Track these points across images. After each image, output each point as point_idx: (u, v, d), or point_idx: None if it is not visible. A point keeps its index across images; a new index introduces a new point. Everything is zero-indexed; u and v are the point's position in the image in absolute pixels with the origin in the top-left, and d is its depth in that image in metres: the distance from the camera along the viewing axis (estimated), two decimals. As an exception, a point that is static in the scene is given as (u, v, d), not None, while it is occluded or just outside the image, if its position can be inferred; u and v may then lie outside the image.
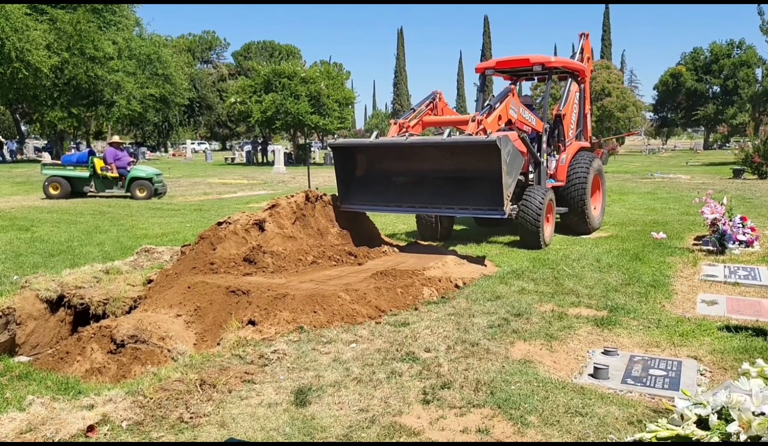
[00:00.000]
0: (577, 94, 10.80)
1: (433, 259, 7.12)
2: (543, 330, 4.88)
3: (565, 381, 3.88)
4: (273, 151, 37.79)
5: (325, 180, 24.02)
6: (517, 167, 7.64)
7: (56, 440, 3.11)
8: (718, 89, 66.52)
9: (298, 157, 41.82)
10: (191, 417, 3.39)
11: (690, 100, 67.74)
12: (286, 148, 44.18)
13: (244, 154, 46.71)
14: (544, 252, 8.08)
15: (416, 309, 5.54)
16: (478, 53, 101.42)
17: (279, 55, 73.62)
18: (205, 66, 77.50)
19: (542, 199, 8.46)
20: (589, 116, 11.47)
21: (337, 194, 8.17)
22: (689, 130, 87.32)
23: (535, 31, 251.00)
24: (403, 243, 8.29)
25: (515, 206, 8.35)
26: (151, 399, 3.57)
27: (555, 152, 10.08)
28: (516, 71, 10.41)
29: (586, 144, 11.09)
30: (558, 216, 9.72)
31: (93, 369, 4.54)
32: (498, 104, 8.14)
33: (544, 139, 9.56)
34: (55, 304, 6.11)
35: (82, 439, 3.15)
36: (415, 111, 8.63)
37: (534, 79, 11.71)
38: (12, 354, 5.47)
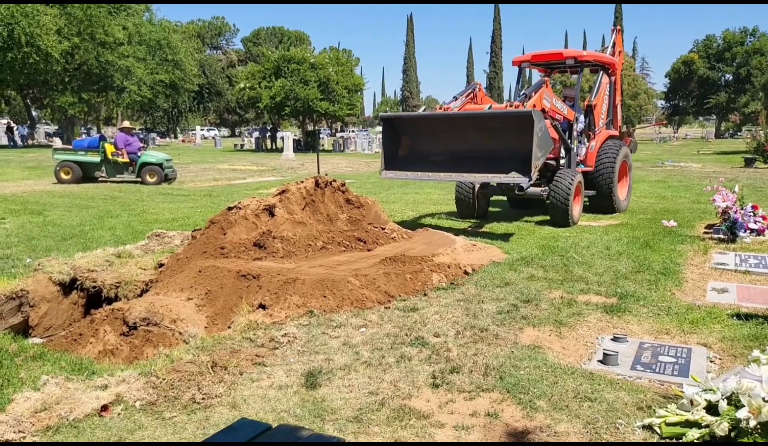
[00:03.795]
0: (608, 85, 11.40)
1: (443, 246, 7.12)
2: (552, 316, 4.88)
3: (574, 367, 3.89)
4: (282, 138, 37.81)
5: (334, 166, 24.03)
6: (547, 146, 8.06)
7: (71, 419, 3.16)
8: (731, 77, 65.72)
9: (307, 144, 41.81)
10: (203, 398, 3.43)
11: (702, 88, 67.01)
12: (295, 135, 44.16)
13: (253, 140, 46.73)
14: (554, 240, 8.07)
15: (425, 294, 5.56)
16: (488, 40, 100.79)
17: (288, 41, 73.40)
18: (215, 52, 77.49)
19: (571, 181, 9.24)
20: (619, 107, 12.09)
21: (381, 164, 9.07)
22: (701, 118, 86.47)
23: (547, 18, 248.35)
24: (413, 229, 8.28)
25: (546, 188, 9.41)
26: (164, 379, 3.61)
27: (585, 140, 10.73)
28: (550, 64, 11.08)
29: (615, 132, 11.66)
30: (586, 199, 10.45)
31: (106, 351, 4.59)
32: (533, 94, 8.52)
33: (575, 127, 10.23)
34: (67, 287, 6.18)
35: (96, 418, 3.20)
36: (456, 99, 9.22)
37: (567, 72, 12.09)
38: (26, 335, 5.54)
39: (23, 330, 5.71)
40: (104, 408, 3.27)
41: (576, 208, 9.49)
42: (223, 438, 2.48)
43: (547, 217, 9.82)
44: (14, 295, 5.74)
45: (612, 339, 4.36)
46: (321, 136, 50.15)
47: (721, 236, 8.05)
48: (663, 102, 73.37)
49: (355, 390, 3.58)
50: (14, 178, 18.11)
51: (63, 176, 16.57)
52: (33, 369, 3.83)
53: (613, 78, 11.50)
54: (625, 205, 11.14)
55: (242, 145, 47.26)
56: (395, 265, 6.17)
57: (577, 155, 10.39)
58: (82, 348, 4.70)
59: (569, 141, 10.04)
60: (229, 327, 4.88)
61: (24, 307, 5.80)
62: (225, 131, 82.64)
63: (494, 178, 8.56)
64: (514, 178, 8.00)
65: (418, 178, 9.14)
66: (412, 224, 9.17)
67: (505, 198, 11.49)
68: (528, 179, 7.74)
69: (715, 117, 73.12)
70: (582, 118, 10.75)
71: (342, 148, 42.36)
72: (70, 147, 18.54)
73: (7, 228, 8.93)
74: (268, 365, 3.95)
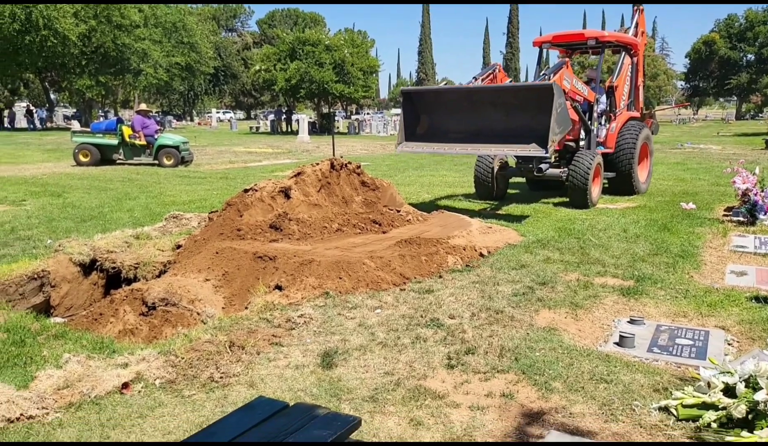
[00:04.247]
0: (630, 66, 11.31)
1: (458, 228, 7.11)
2: (568, 298, 4.87)
3: (590, 349, 3.89)
4: (297, 120, 37.79)
5: (349, 149, 24.00)
6: (565, 124, 8.00)
7: (93, 396, 3.23)
8: (753, 58, 64.29)
9: (322, 126, 41.79)
10: (221, 377, 3.48)
11: (723, 68, 65.66)
12: (310, 117, 44.13)
13: (268, 123, 46.75)
14: (570, 222, 8.02)
15: (440, 276, 5.57)
16: (505, 21, 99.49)
17: (303, 23, 73.02)
18: (230, 34, 77.33)
19: (591, 162, 9.22)
20: (641, 88, 11.98)
21: (397, 139, 9.10)
22: (721, 99, 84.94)
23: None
24: (429, 211, 8.27)
25: (565, 169, 9.43)
26: (183, 358, 3.67)
27: (605, 121, 10.66)
28: (571, 45, 11.03)
29: (636, 114, 11.54)
30: (606, 181, 10.38)
31: (126, 330, 4.67)
32: (552, 75, 8.46)
33: (596, 108, 10.17)
34: (87, 268, 6.28)
35: (117, 396, 3.26)
36: (476, 80, 9.25)
37: (588, 53, 12.01)
38: (47, 315, 5.64)
39: (45, 309, 5.81)
40: (125, 385, 3.33)
41: (595, 190, 9.47)
42: (241, 415, 2.52)
43: (565, 199, 9.79)
44: (36, 275, 5.84)
45: (628, 322, 4.35)
46: (336, 118, 50.02)
47: (741, 219, 7.95)
48: (683, 83, 72.09)
49: (370, 370, 3.61)
50: (34, 161, 18.33)
51: (81, 159, 16.74)
52: (55, 348, 3.91)
53: (635, 59, 11.37)
54: (645, 187, 11.07)
55: (257, 128, 47.33)
56: (410, 247, 6.18)
57: (597, 137, 10.33)
58: (102, 328, 4.78)
59: (589, 122, 9.98)
60: (246, 308, 4.93)
61: (45, 287, 5.91)
62: (240, 114, 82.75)
63: (512, 149, 8.57)
64: (531, 150, 7.97)
65: (434, 151, 9.15)
66: (428, 206, 9.15)
67: (524, 180, 11.45)
68: (546, 151, 7.71)
69: (735, 98, 71.74)
70: (603, 99, 10.65)
71: (357, 131, 42.28)
72: (88, 130, 18.69)
73: (28, 210, 9.06)
74: (284, 345, 4.00)
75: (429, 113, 9.10)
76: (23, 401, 3.07)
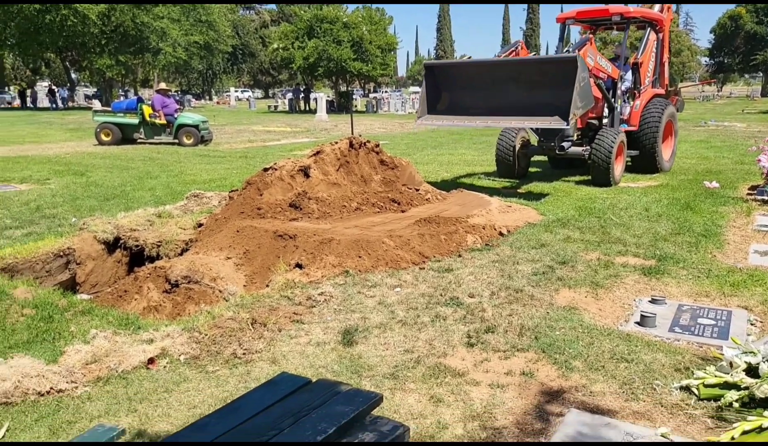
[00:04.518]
0: (655, 42, 11.12)
1: (477, 207, 7.09)
2: (588, 278, 4.85)
3: (611, 329, 3.88)
4: (315, 99, 37.71)
5: (368, 127, 23.94)
6: (587, 99, 7.93)
7: (120, 370, 3.30)
8: (780, 32, 62.58)
9: (340, 105, 41.63)
10: (244, 353, 3.54)
11: (749, 44, 63.93)
12: (328, 96, 43.98)
13: (286, 101, 46.71)
14: (591, 201, 7.95)
15: (460, 255, 5.57)
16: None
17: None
18: (248, 12, 77.02)
19: (614, 139, 9.15)
20: (666, 64, 11.80)
21: (418, 112, 9.09)
22: (746, 75, 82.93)
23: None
24: (448, 190, 8.25)
25: (588, 147, 9.38)
26: (206, 335, 3.73)
27: (630, 98, 10.54)
28: (595, 21, 10.86)
29: (661, 91, 11.37)
30: (629, 159, 10.28)
31: (150, 307, 4.75)
32: (576, 52, 8.36)
33: (620, 85, 10.02)
34: (111, 246, 6.38)
35: (143, 371, 3.33)
36: (499, 56, 9.27)
37: (613, 29, 11.80)
38: (73, 291, 5.76)
39: (71, 286, 5.93)
40: (151, 361, 3.41)
41: (618, 168, 9.42)
42: (265, 391, 2.57)
43: (587, 178, 9.72)
44: (62, 253, 5.96)
45: (650, 301, 4.32)
46: (354, 96, 49.81)
47: (765, 198, 7.82)
48: (707, 59, 70.49)
49: (390, 347, 3.65)
50: (57, 140, 18.56)
51: (103, 138, 16.91)
52: (82, 324, 4.00)
53: (660, 35, 11.16)
54: (669, 165, 10.94)
55: (276, 107, 47.33)
56: (429, 226, 6.18)
57: (621, 114, 10.22)
58: (127, 304, 4.87)
59: (613, 99, 9.88)
60: (267, 286, 4.99)
61: (71, 265, 6.02)
62: (259, 92, 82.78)
63: (533, 122, 8.53)
64: (552, 123, 7.91)
65: (455, 124, 9.13)
66: (446, 185, 9.12)
67: (545, 158, 11.36)
68: (567, 124, 7.65)
69: (761, 74, 70.01)
70: (628, 76, 10.50)
71: (375, 109, 42.09)
72: (110, 109, 18.84)
73: (53, 189, 9.20)
74: (305, 322, 4.04)
75: (451, 88, 9.04)
76: (53, 375, 3.15)
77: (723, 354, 3.19)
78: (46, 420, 2.86)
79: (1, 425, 2.80)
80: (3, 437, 2.72)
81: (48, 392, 3.06)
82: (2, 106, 48.35)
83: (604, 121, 10.04)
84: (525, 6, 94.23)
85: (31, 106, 45.17)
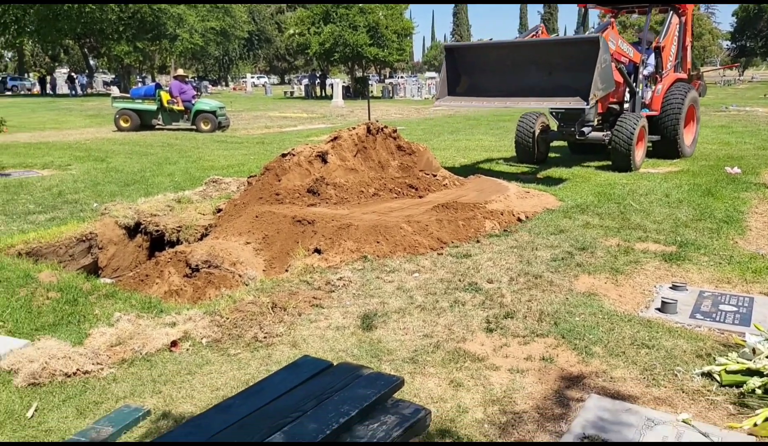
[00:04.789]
0: (678, 26, 11.00)
1: (495, 193, 7.06)
2: (608, 264, 4.82)
3: (631, 315, 3.86)
4: (331, 85, 37.62)
5: (384, 113, 23.87)
6: (608, 82, 7.84)
7: (144, 353, 3.36)
8: (806, 15, 61.13)
9: (356, 91, 41.51)
10: (265, 337, 3.58)
11: (773, 26, 62.62)
12: (344, 82, 43.87)
13: (302, 87, 46.68)
14: (610, 187, 7.88)
15: (478, 241, 5.56)
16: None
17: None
18: (264, -3, 76.81)
19: (635, 124, 9.06)
20: (689, 48, 11.66)
21: (437, 94, 9.16)
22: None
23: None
24: (465, 176, 8.23)
25: (608, 132, 9.34)
26: (228, 318, 3.78)
27: (651, 83, 10.46)
28: (617, 4, 10.80)
29: (683, 75, 11.26)
30: (650, 144, 10.24)
31: (171, 291, 4.82)
32: (599, 33, 8.31)
33: (641, 70, 9.93)
34: (132, 230, 6.46)
35: (166, 353, 3.39)
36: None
37: (634, 12, 11.62)
38: (96, 276, 5.85)
39: (93, 270, 6.02)
40: (173, 343, 3.46)
41: (639, 153, 9.34)
42: (287, 373, 2.60)
43: (607, 163, 9.64)
44: (84, 238, 6.05)
45: (671, 288, 4.30)
46: (370, 82, 49.63)
47: (790, 184, 7.70)
48: (728, 43, 69.08)
49: (410, 332, 3.66)
50: (77, 126, 18.75)
51: (122, 124, 17.04)
52: (106, 307, 4.07)
53: (683, 18, 11.02)
54: (691, 151, 10.81)
55: (292, 93, 47.33)
56: (447, 212, 6.17)
57: (643, 98, 10.11)
58: (149, 288, 4.94)
59: (634, 84, 9.78)
60: (286, 271, 5.03)
61: (93, 249, 6.11)
62: (275, 78, 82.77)
63: (552, 102, 8.50)
64: (572, 102, 7.86)
65: (473, 105, 9.13)
66: (464, 171, 9.09)
67: (565, 143, 11.27)
68: (587, 104, 7.60)
69: (786, 58, 68.56)
70: (651, 60, 10.36)
71: (391, 95, 41.91)
72: (128, 95, 18.97)
73: (74, 174, 9.32)
74: (325, 307, 4.08)
75: (471, 70, 8.99)
76: (79, 357, 3.22)
77: (745, 341, 3.17)
78: (74, 400, 2.93)
79: (30, 405, 2.87)
80: (32, 416, 2.79)
81: (74, 373, 3.13)
82: (23, 92, 48.92)
83: (625, 105, 9.93)
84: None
85: (51, 92, 45.60)
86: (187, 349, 3.44)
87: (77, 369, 3.14)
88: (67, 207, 7.13)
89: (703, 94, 29.16)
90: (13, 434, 2.66)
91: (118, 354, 3.36)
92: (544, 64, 8.26)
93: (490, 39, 10.39)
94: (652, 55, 10.46)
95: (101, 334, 3.55)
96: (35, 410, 2.84)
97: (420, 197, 7.01)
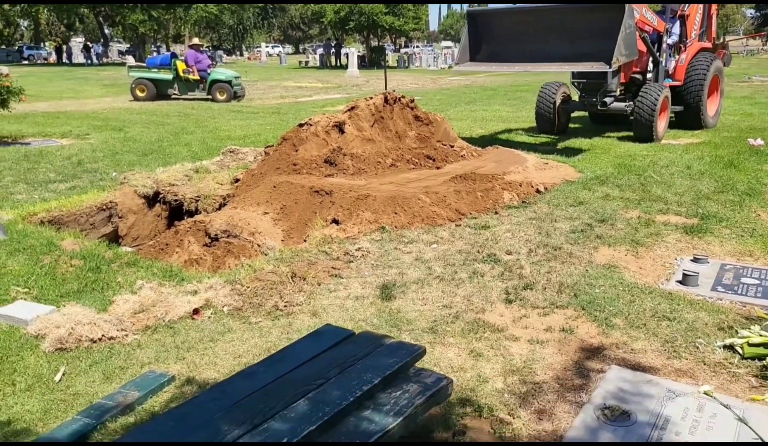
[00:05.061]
0: None
1: (514, 164, 7.00)
2: (628, 236, 4.79)
3: (652, 287, 3.84)
4: (346, 54, 37.27)
5: (399, 83, 23.64)
6: (631, 49, 7.79)
7: (167, 320, 3.41)
8: (836, -19, 59.18)
9: (371, 60, 41.13)
10: (285, 306, 3.62)
11: (801, -6, 60.75)
12: (359, 51, 43.44)
13: (317, 57, 46.32)
14: (631, 159, 7.78)
15: (496, 213, 5.54)
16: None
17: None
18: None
19: (658, 95, 8.92)
20: (714, 16, 11.41)
21: (457, 58, 9.13)
22: (797, 28, 78.97)
23: None
24: (483, 147, 8.16)
25: (630, 103, 9.21)
26: (248, 287, 3.81)
27: (675, 52, 10.30)
28: None
29: (708, 44, 11.02)
30: (673, 114, 10.09)
31: (191, 260, 4.86)
32: None
33: (665, 39, 9.76)
34: (151, 200, 6.51)
35: (189, 321, 3.43)
36: None
37: None
38: (116, 244, 5.91)
39: (113, 239, 6.09)
40: (196, 311, 3.50)
41: (661, 124, 9.20)
42: (310, 342, 2.63)
43: (627, 134, 9.52)
44: (104, 207, 6.11)
45: (692, 260, 4.26)
46: (385, 52, 49.12)
47: (815, 156, 7.55)
48: (752, 11, 67.22)
49: (429, 303, 3.68)
50: (94, 95, 18.81)
51: (138, 93, 17.06)
52: (128, 275, 4.12)
53: None
54: (714, 122, 10.62)
55: (306, 62, 46.98)
56: (465, 183, 6.14)
57: (666, 68, 9.93)
58: (169, 257, 4.99)
59: (658, 53, 9.60)
60: (304, 241, 5.05)
61: (113, 218, 6.18)
62: (289, 48, 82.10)
63: (573, 67, 8.45)
64: (594, 66, 7.76)
65: (493, 69, 9.11)
66: (481, 141, 9.01)
67: (586, 114, 11.11)
68: (609, 67, 7.49)
69: (812, 27, 66.64)
70: (676, 29, 10.14)
71: (406, 64, 41.46)
72: (144, 65, 18.94)
73: (93, 144, 9.37)
74: (344, 277, 4.10)
75: (493, 36, 8.89)
76: (104, 323, 3.27)
77: (769, 314, 3.14)
78: (100, 365, 2.98)
79: (58, 369, 2.93)
80: (60, 380, 2.85)
81: (100, 339, 3.18)
82: (39, 61, 49.00)
83: (648, 75, 9.74)
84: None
85: (67, 61, 45.64)
86: (209, 317, 3.49)
87: (102, 335, 3.20)
88: (87, 176, 7.18)
89: (728, 64, 28.47)
90: (42, 397, 2.72)
91: (141, 321, 3.41)
92: (568, 30, 8.14)
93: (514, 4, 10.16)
94: (677, 24, 10.21)
95: (125, 301, 3.60)
96: (63, 374, 2.90)
97: (437, 168, 6.97)
